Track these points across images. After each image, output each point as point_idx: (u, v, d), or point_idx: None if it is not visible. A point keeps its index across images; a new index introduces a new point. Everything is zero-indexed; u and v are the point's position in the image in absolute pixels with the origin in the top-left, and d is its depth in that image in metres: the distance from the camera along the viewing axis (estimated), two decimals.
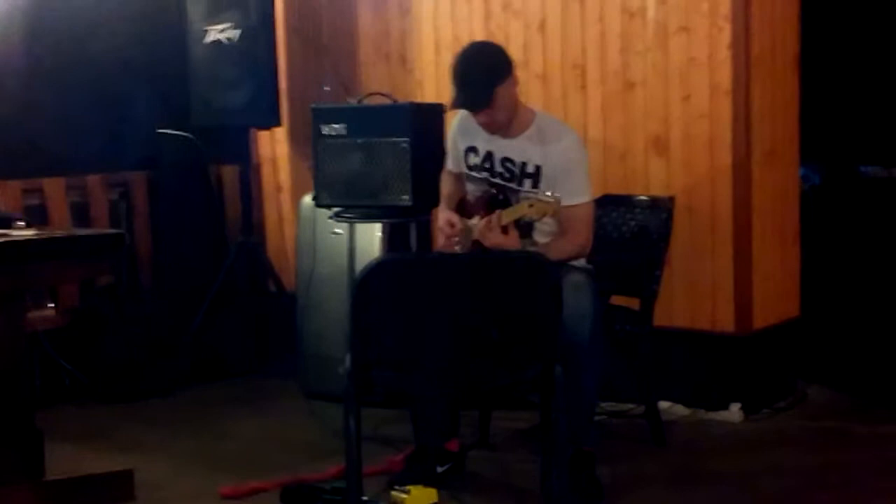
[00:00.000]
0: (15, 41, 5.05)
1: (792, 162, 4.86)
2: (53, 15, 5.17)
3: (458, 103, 3.88)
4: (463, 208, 4.06)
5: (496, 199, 3.92)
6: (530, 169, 3.88)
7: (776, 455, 4.17)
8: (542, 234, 3.90)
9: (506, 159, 3.93)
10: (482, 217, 3.85)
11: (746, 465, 4.06)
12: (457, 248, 3.96)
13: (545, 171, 3.85)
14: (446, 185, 4.20)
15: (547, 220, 3.81)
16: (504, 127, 3.91)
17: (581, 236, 3.89)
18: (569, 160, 3.86)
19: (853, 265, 5.33)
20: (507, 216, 3.75)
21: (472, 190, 4.05)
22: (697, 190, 4.59)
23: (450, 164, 4.16)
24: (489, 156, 3.97)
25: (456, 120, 4.13)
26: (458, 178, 4.12)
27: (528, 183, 3.88)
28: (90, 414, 4.90)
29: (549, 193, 3.65)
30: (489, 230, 3.75)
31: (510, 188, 3.92)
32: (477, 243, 3.85)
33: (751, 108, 4.50)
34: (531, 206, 3.67)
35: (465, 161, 4.05)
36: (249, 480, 3.90)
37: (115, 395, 5.03)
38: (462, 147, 4.06)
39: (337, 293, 4.70)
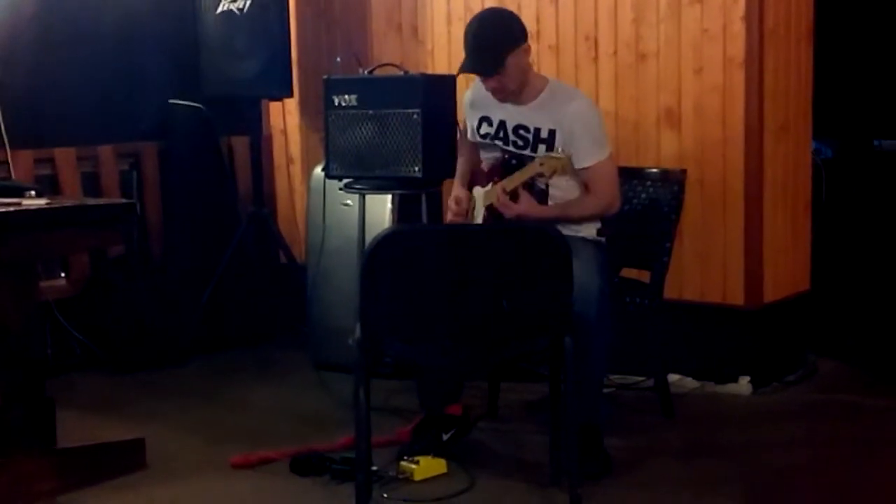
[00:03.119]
0: (27, 11, 5.04)
1: (804, 135, 4.84)
2: None
3: (468, 68, 3.87)
4: (477, 178, 4.08)
5: (510, 164, 3.92)
6: (544, 134, 3.88)
7: (785, 428, 4.18)
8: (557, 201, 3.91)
9: (519, 126, 3.93)
10: (496, 184, 3.87)
11: (755, 438, 4.07)
12: None
13: (560, 135, 3.85)
14: (462, 156, 4.22)
15: (560, 182, 3.82)
16: (514, 94, 3.91)
17: (606, 194, 3.90)
18: (582, 120, 3.86)
19: (864, 239, 5.31)
20: (515, 180, 3.77)
21: (487, 158, 4.06)
22: (709, 163, 4.57)
23: (468, 134, 4.17)
24: (502, 125, 3.97)
25: (468, 90, 4.14)
26: (475, 148, 4.13)
27: (542, 148, 3.88)
28: (101, 383, 4.93)
29: (559, 150, 3.66)
30: (505, 205, 3.77)
31: (525, 155, 3.92)
32: (491, 210, 3.87)
33: (764, 80, 4.48)
34: (542, 164, 3.70)
35: (478, 131, 4.05)
36: (259, 450, 3.92)
37: (126, 364, 5.05)
38: (474, 118, 4.07)
39: (347, 264, 4.70)
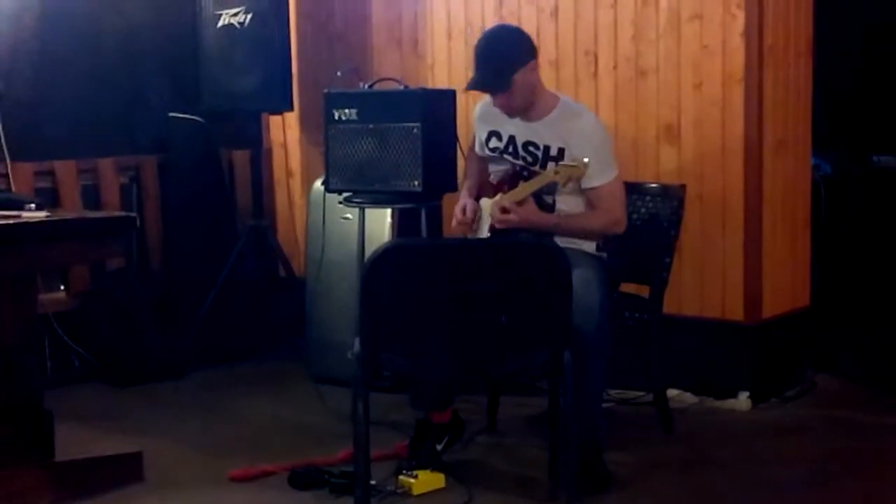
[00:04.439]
0: (27, 24, 5.05)
1: (803, 151, 4.85)
2: None
3: (475, 85, 3.89)
4: (485, 190, 4.10)
5: (520, 175, 3.94)
6: (553, 152, 3.91)
7: (784, 444, 4.17)
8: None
9: (528, 143, 3.96)
10: (505, 193, 3.90)
11: (754, 453, 4.06)
12: (469, 235, 4.01)
13: (568, 154, 3.87)
14: (471, 168, 4.25)
15: (568, 199, 3.86)
16: (522, 111, 3.93)
17: (613, 213, 3.91)
18: (591, 140, 3.88)
19: (863, 255, 5.32)
20: (525, 190, 3.81)
21: (495, 171, 4.08)
22: (708, 178, 4.58)
23: (475, 147, 4.19)
24: (512, 140, 4.00)
25: (478, 104, 4.18)
26: (483, 162, 4.15)
27: (551, 166, 3.90)
28: (100, 396, 4.92)
29: (580, 158, 3.72)
30: (503, 217, 3.78)
31: (534, 172, 3.93)
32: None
33: (763, 96, 4.49)
34: (556, 172, 3.74)
35: (487, 145, 4.08)
36: (258, 464, 3.92)
37: (125, 377, 5.05)
38: (483, 131, 4.09)
39: (346, 278, 4.71)
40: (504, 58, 3.84)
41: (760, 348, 4.60)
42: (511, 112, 3.93)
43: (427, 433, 3.93)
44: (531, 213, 3.83)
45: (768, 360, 4.64)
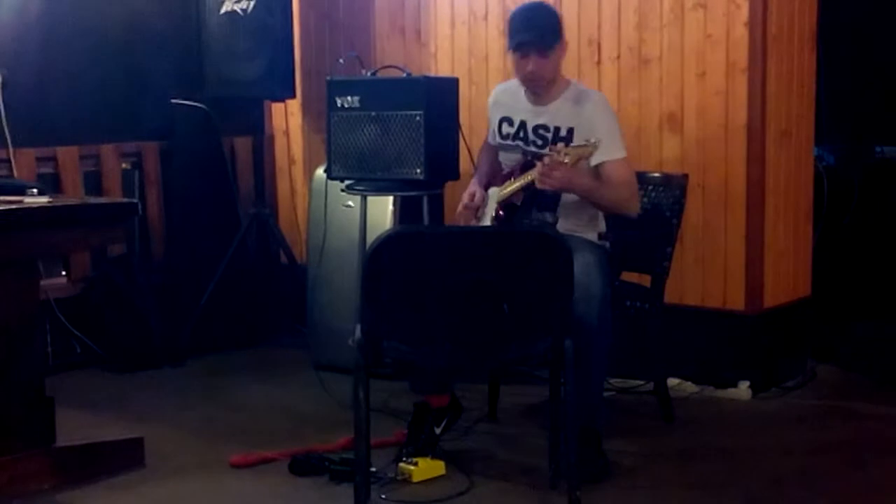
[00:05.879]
0: (32, 11, 5.05)
1: (806, 141, 4.85)
2: None
3: (528, 39, 3.88)
4: (495, 180, 4.12)
5: (531, 164, 3.95)
6: (563, 133, 3.94)
7: (784, 433, 4.18)
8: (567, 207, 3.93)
9: (539, 126, 3.99)
10: (514, 180, 3.95)
11: (754, 443, 4.07)
12: (472, 222, 4.02)
13: (577, 132, 3.90)
14: (484, 159, 4.29)
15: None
16: (546, 86, 3.96)
17: (631, 186, 3.93)
18: (599, 118, 3.91)
19: (865, 246, 5.31)
20: (531, 175, 3.83)
21: (507, 161, 4.10)
22: (711, 168, 4.58)
23: (489, 136, 4.21)
24: (522, 125, 4.03)
25: (493, 92, 4.22)
26: (496, 151, 4.18)
27: (561, 147, 3.90)
28: (101, 382, 4.93)
29: (589, 140, 3.76)
30: (551, 169, 3.76)
31: (544, 154, 3.93)
32: (503, 207, 3.95)
33: (766, 86, 4.48)
34: (566, 153, 3.75)
35: (499, 131, 4.11)
36: (258, 450, 3.93)
37: (126, 363, 5.05)
38: (496, 118, 4.14)
39: (348, 266, 4.70)
40: (555, 20, 3.95)
41: (761, 338, 4.60)
42: (536, 81, 3.94)
43: (425, 416, 3.94)
44: (574, 174, 3.81)
45: (769, 350, 4.65)
